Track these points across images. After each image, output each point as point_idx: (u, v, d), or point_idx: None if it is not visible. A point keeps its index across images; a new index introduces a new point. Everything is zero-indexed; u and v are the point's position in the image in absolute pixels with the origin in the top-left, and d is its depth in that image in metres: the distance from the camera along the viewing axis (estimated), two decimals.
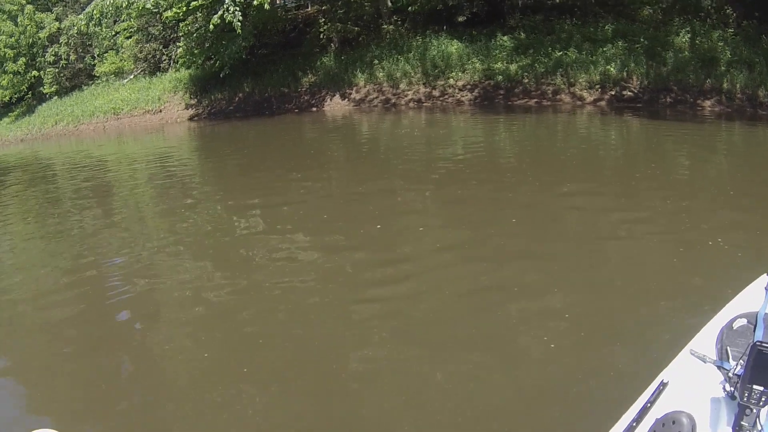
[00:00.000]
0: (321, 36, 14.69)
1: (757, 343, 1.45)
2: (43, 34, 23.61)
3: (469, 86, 12.16)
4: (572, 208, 5.74)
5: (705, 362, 1.75)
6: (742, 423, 1.48)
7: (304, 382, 3.18)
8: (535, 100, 11.73)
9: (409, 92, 12.57)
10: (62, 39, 23.34)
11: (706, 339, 1.94)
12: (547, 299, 3.82)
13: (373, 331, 3.65)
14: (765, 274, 2.22)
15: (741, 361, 1.57)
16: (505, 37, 12.47)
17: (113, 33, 22.13)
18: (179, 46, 17.60)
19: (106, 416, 3.13)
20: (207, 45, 15.79)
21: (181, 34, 16.65)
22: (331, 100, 13.65)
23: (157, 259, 5.43)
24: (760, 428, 1.49)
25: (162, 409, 3.13)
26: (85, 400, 3.34)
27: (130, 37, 21.31)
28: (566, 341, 3.27)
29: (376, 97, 12.92)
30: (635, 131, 10.22)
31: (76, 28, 22.45)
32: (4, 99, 25.81)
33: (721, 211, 5.50)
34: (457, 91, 12.22)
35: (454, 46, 12.59)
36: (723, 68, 11.40)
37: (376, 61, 13.26)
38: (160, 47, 20.27)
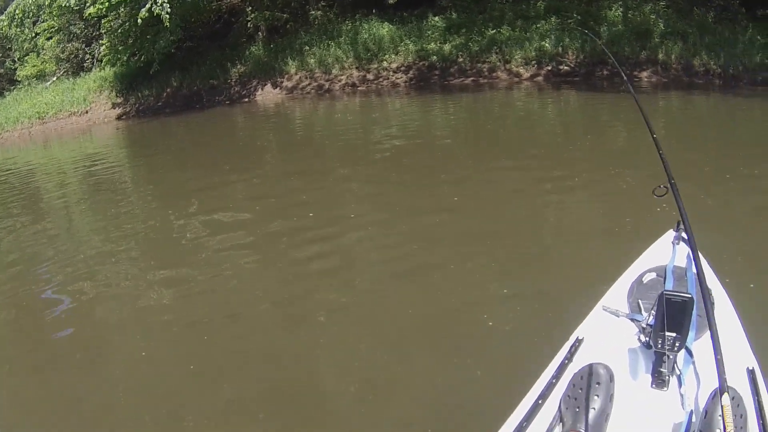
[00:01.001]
0: (248, 25, 14.06)
1: (665, 292, 1.50)
2: None
3: (403, 68, 11.77)
4: (507, 183, 5.61)
5: (618, 316, 1.83)
6: (661, 369, 1.54)
7: (252, 372, 3.07)
8: (472, 78, 11.42)
9: (342, 77, 12.09)
10: None
11: (617, 294, 1.98)
12: (485, 274, 3.75)
13: (316, 318, 3.53)
14: (671, 230, 2.33)
15: (652, 311, 1.64)
16: (437, 18, 12.15)
17: (33, 34, 20.95)
18: (102, 44, 16.72)
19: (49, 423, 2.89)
20: (131, 41, 14.99)
21: (103, 32, 15.77)
22: (262, 89, 13.05)
23: (92, 264, 4.94)
24: (678, 372, 1.55)
25: (110, 411, 2.91)
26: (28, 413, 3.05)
27: (51, 37, 20.18)
28: (505, 315, 3.20)
29: (309, 84, 12.39)
30: (572, 104, 10.05)
31: None
32: None
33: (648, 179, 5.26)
34: (391, 73, 11.81)
35: (385, 29, 12.19)
36: (657, 40, 11.32)
37: (306, 48, 12.72)
38: (83, 46, 19.28)
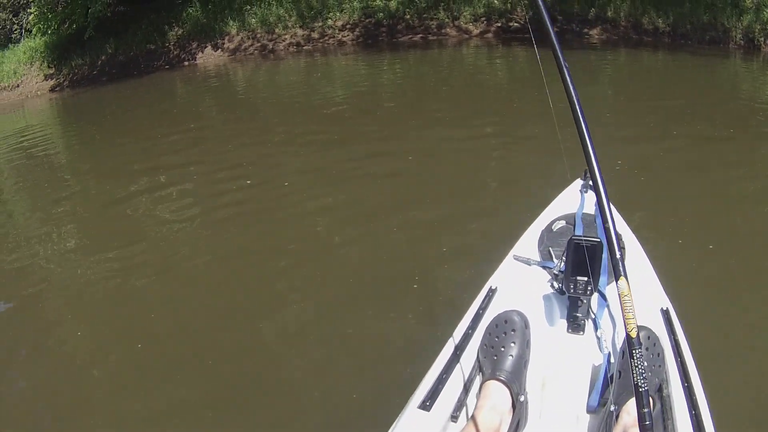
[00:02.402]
0: None
1: (574, 238, 1.52)
2: None
3: (349, 26, 11.33)
4: (448, 139, 5.55)
5: (530, 265, 1.84)
6: (576, 314, 1.56)
7: (205, 352, 2.81)
8: (420, 35, 11.08)
9: (286, 37, 11.57)
10: None
11: (527, 243, 2.00)
12: (412, 233, 3.74)
13: (265, 290, 3.38)
14: (579, 179, 2.37)
15: (563, 257, 1.63)
16: None
17: None
18: (31, 12, 15.74)
19: None
20: (61, 7, 14.11)
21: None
22: (203, 52, 12.41)
23: (30, 245, 4.55)
24: (593, 316, 1.59)
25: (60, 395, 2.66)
26: None
27: None
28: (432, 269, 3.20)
29: (251, 45, 11.83)
30: (522, 62, 9.85)
31: None
32: None
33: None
34: (337, 31, 11.35)
35: None
36: None
37: (247, 7, 12.12)
38: (10, 16, 18.16)
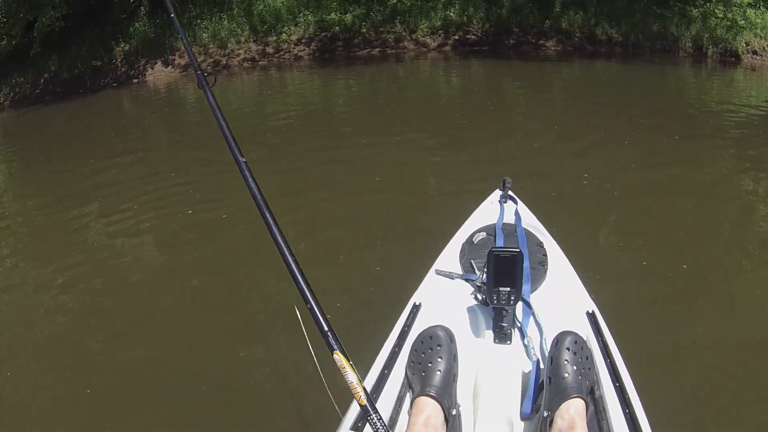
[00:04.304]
0: (131, 0, 12.83)
1: (493, 250, 1.54)
2: None
3: (304, 40, 11.08)
4: (399, 156, 5.50)
5: (452, 278, 1.85)
6: (501, 324, 1.57)
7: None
8: (378, 49, 10.94)
9: (240, 52, 11.22)
10: None
11: (449, 257, 2.00)
12: (342, 246, 3.75)
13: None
14: (497, 189, 2.40)
15: (485, 269, 1.64)
16: None
17: None
18: None
19: None
20: None
21: None
22: (153, 68, 11.94)
23: None
24: (519, 325, 1.61)
25: None
26: None
27: None
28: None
29: (204, 61, 11.44)
30: (478, 74, 9.92)
31: None
32: None
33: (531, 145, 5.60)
34: (292, 46, 11.09)
35: (279, 0, 11.44)
36: (558, 9, 11.32)
37: (198, 21, 11.74)
38: None
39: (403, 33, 10.90)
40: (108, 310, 3.35)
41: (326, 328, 1.15)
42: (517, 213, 2.21)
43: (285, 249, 1.30)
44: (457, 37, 10.88)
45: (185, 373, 2.62)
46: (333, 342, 1.12)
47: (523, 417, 1.38)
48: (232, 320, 3.02)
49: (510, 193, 2.36)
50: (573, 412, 1.23)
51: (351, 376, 1.08)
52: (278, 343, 2.75)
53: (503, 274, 1.52)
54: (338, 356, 1.10)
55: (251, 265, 3.54)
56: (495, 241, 2.01)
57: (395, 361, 1.49)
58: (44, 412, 2.58)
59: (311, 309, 1.19)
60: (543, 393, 1.33)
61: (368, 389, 1.28)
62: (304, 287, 1.23)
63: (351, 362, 1.09)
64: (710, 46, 10.62)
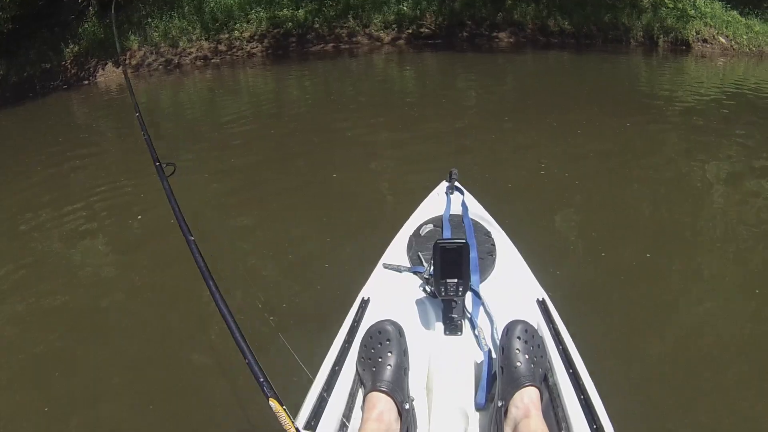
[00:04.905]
0: (79, 1, 12.52)
1: (439, 242, 1.55)
2: None
3: (257, 37, 10.91)
4: (348, 150, 5.46)
5: (401, 272, 1.85)
6: (451, 315, 1.57)
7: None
8: (332, 44, 10.85)
9: (191, 50, 11.01)
10: None
11: (396, 250, 1.99)
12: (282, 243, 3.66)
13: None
14: (444, 181, 2.39)
15: (432, 261, 1.60)
16: None
17: None
18: None
19: None
20: None
21: None
22: (103, 69, 11.65)
23: None
24: (469, 315, 1.60)
25: None
26: None
27: None
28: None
29: (155, 60, 11.20)
30: (432, 67, 9.91)
31: None
32: None
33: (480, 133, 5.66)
34: (245, 43, 10.91)
35: None
36: (510, 1, 11.37)
37: (149, 20, 11.50)
38: None
39: (357, 28, 10.83)
40: (56, 311, 3.25)
41: (261, 379, 1.16)
42: (464, 204, 2.20)
43: (226, 312, 1.32)
44: (410, 31, 10.85)
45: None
46: (268, 390, 1.13)
47: (478, 408, 1.37)
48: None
49: (456, 184, 2.36)
50: (527, 400, 1.23)
51: (284, 420, 1.08)
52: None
53: (450, 265, 1.52)
54: (273, 402, 1.10)
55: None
56: (442, 232, 2.00)
57: (345, 357, 1.48)
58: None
59: (249, 363, 1.19)
60: (496, 383, 1.34)
61: (319, 388, 1.39)
62: (240, 340, 1.24)
63: (284, 407, 1.10)
64: (661, 36, 10.78)
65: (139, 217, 4.46)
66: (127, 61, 11.34)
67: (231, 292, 2.94)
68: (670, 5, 11.41)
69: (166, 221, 4.29)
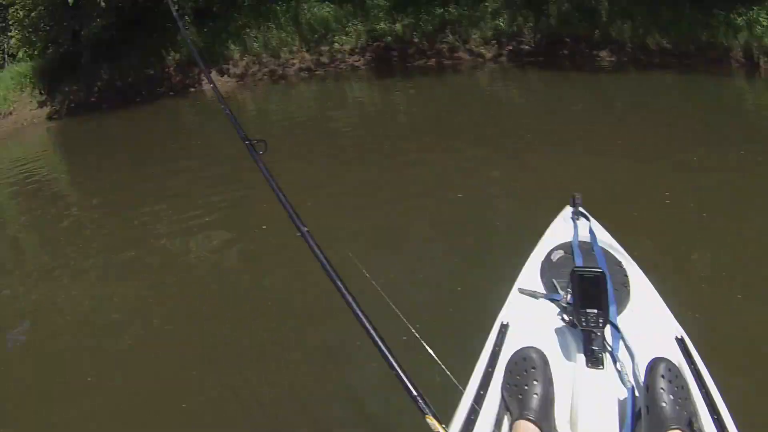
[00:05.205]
0: (176, 8, 12.81)
1: (576, 270, 1.52)
2: None
3: (358, 50, 11.21)
4: (463, 171, 5.51)
5: (537, 298, 1.81)
6: (592, 348, 1.50)
7: None
8: (434, 59, 11.06)
9: (294, 61, 11.38)
10: None
11: (529, 275, 1.96)
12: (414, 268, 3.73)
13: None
14: (567, 206, 2.38)
15: (568, 290, 1.60)
16: None
17: None
18: (11, 36, 15.18)
19: None
20: (44, 30, 13.63)
21: (11, 21, 14.22)
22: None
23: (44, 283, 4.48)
24: (610, 349, 1.53)
25: None
26: None
27: None
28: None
29: (260, 70, 11.61)
30: (537, 87, 9.97)
31: None
32: None
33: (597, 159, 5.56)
34: (347, 56, 11.22)
35: (325, 9, 11.49)
36: (605, 19, 11.39)
37: (247, 30, 11.88)
38: None
39: (456, 43, 11.02)
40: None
41: (414, 393, 1.16)
42: (591, 231, 2.16)
43: (365, 320, 1.35)
44: (510, 48, 10.99)
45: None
46: (424, 407, 1.13)
47: None
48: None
49: (581, 209, 2.33)
50: None
51: None
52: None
53: (588, 295, 1.49)
54: (431, 420, 1.09)
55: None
56: (573, 259, 1.96)
57: (490, 382, 1.49)
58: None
59: (398, 376, 1.20)
60: (640, 422, 1.31)
61: (465, 412, 1.39)
62: (388, 354, 1.25)
63: (443, 425, 1.09)
64: (761, 56, 10.65)
65: (264, 227, 4.76)
66: (230, 69, 11.75)
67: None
68: (765, 23, 11.24)
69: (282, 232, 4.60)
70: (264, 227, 4.68)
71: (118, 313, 3.74)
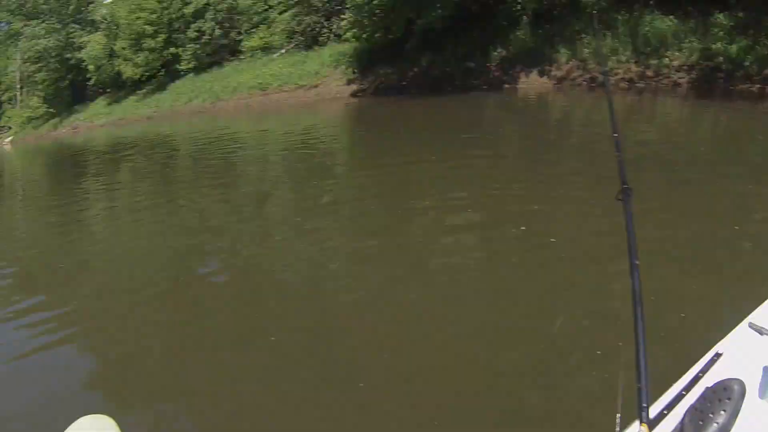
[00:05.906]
0: (518, 8, 13.85)
1: None
2: (188, 10, 24.21)
3: (685, 67, 11.38)
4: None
5: (762, 334, 1.71)
6: None
7: None
8: (759, 86, 11.12)
9: (618, 71, 11.86)
10: (208, 15, 23.90)
11: (767, 312, 1.83)
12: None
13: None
14: None
15: None
16: (721, 15, 11.39)
17: (265, 7, 22.47)
18: (343, 18, 17.37)
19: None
20: (378, 17, 15.30)
21: (348, 6, 16.33)
22: (527, 77, 13.20)
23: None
24: None
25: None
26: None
27: (284, 11, 21.58)
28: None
29: (580, 75, 12.37)
30: None
31: (227, 2, 22.97)
32: (135, 77, 26.59)
33: None
34: (673, 72, 11.52)
35: (666, 23, 11.73)
36: None
37: (583, 36, 12.51)
38: (322, 20, 20.32)
39: None
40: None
41: (644, 404, 1.21)
42: None
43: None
44: None
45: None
46: (644, 414, 1.17)
47: None
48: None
49: None
50: None
51: None
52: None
53: None
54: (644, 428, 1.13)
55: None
56: None
57: (678, 403, 1.46)
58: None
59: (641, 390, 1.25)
60: None
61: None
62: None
63: None
64: None
65: (523, 228, 5.07)
66: (552, 72, 12.74)
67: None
68: None
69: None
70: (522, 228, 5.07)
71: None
